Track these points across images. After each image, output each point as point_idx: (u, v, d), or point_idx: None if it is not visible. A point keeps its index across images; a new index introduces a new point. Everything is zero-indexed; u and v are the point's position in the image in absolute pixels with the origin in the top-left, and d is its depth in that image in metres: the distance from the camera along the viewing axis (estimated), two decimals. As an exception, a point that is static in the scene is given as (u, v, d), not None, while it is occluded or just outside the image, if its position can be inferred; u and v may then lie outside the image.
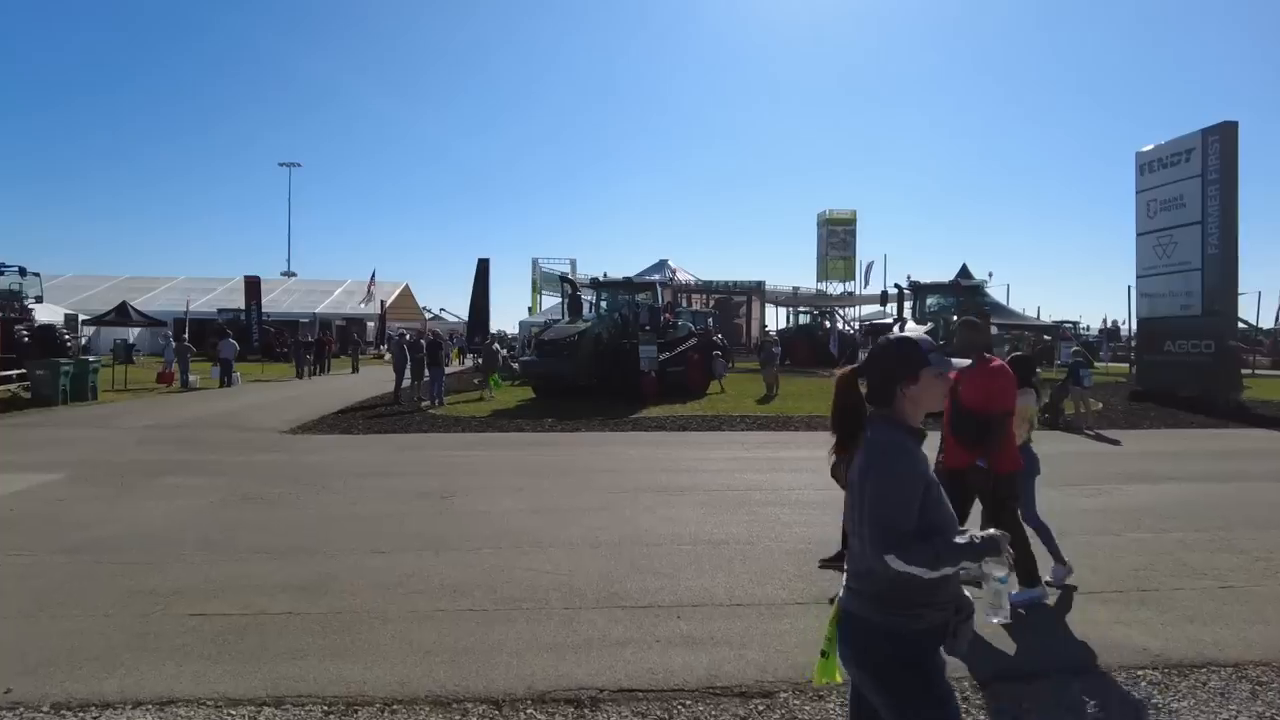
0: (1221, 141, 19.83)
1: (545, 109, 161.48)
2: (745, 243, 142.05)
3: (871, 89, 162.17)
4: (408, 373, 19.33)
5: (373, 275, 53.64)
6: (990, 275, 22.19)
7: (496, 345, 21.97)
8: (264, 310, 53.57)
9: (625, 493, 8.80)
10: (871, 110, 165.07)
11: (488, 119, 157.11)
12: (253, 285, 37.02)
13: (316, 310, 57.53)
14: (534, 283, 54.80)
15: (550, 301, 47.47)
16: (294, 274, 72.41)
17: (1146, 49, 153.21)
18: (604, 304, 21.84)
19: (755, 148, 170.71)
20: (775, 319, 50.96)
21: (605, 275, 21.92)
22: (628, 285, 21.26)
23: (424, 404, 18.44)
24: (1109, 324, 56.97)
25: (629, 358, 19.06)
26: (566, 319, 20.71)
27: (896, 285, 22.09)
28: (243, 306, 50.41)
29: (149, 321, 38.90)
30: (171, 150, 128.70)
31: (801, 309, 47.72)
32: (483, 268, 26.66)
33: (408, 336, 20.97)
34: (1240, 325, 23.26)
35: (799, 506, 8.23)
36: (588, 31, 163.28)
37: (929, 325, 20.32)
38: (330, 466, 10.60)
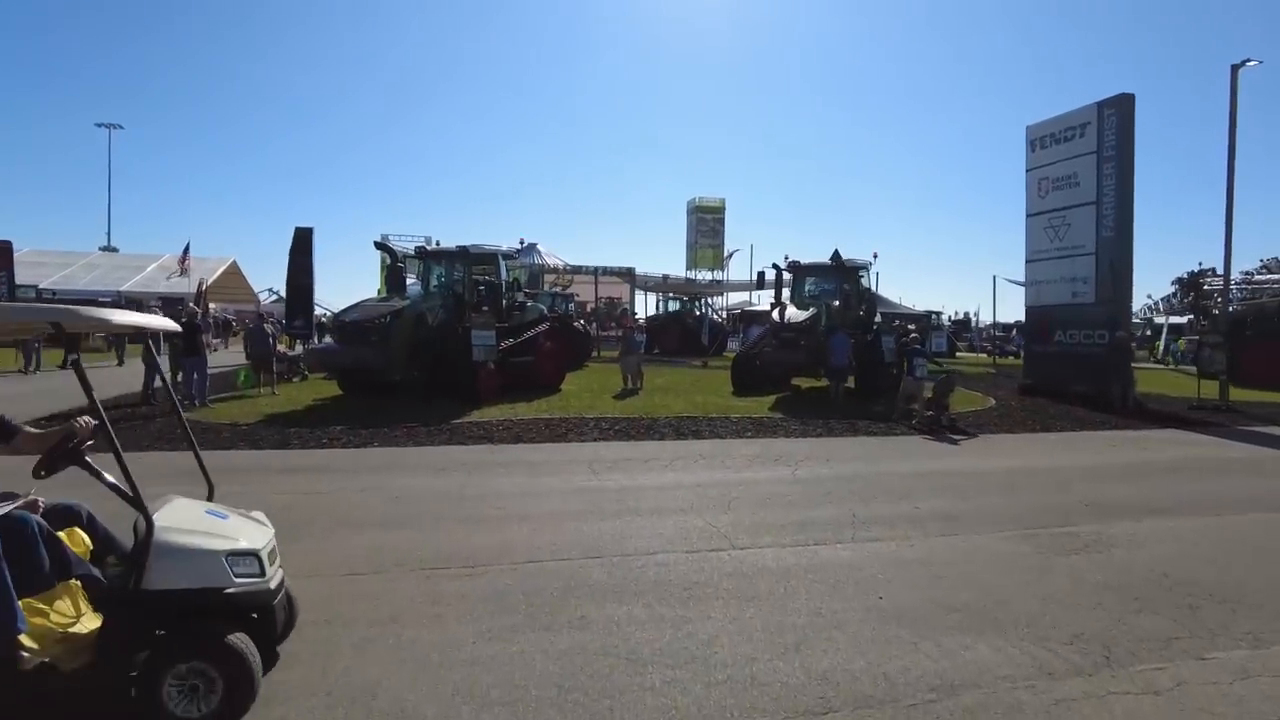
0: (1119, 115, 18.28)
1: (424, 94, 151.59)
2: (616, 230, 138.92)
3: (742, 71, 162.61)
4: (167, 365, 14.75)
5: (186, 247, 46.63)
6: (875, 256, 19.88)
7: (269, 326, 17.39)
8: (54, 288, 45.98)
9: (376, 576, 5.23)
10: (743, 94, 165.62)
11: (361, 102, 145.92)
12: (1, 252, 30.16)
13: (122, 288, 49.92)
14: (383, 263, 49.47)
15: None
16: (115, 249, 63.03)
17: (1027, 25, 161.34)
18: (438, 280, 17.88)
19: (627, 132, 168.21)
20: (645, 306, 48.08)
21: (435, 243, 17.94)
22: (463, 256, 17.34)
23: (183, 405, 13.97)
24: (960, 314, 58.20)
25: (461, 345, 15.30)
26: (383, 296, 16.66)
27: (775, 265, 19.38)
28: (23, 283, 43.01)
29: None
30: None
31: (671, 295, 45.09)
32: (302, 238, 21.81)
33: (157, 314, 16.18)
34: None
35: (676, 598, 4.92)
36: (468, 8, 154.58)
37: (810, 310, 17.72)
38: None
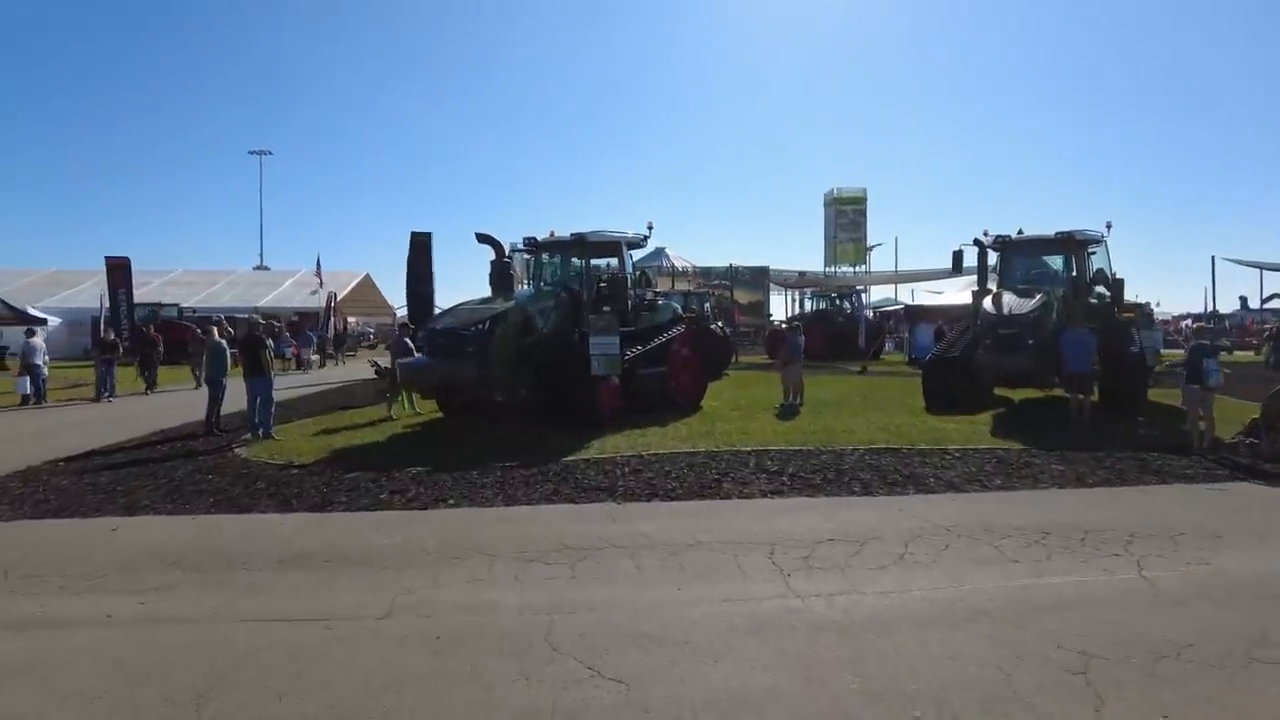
0: None
1: (542, 99, 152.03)
2: (746, 228, 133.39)
3: (880, 51, 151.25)
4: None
5: (318, 261, 46.56)
6: (1109, 226, 15.07)
7: (409, 339, 14.65)
8: (196, 305, 47.23)
9: None
10: (881, 76, 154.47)
11: (482, 111, 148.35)
12: (118, 269, 29.66)
13: (260, 304, 50.69)
14: (530, 275, 47.91)
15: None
16: (267, 267, 65.86)
17: None
18: (551, 276, 14.78)
19: (753, 126, 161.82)
20: (786, 306, 43.81)
21: (553, 234, 14.80)
22: (580, 245, 14.14)
23: (246, 436, 11.44)
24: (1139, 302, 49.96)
25: (577, 355, 12.07)
26: (485, 298, 13.64)
27: (976, 241, 15.00)
28: (169, 300, 44.30)
29: (20, 318, 32.07)
30: (131, 136, 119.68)
31: (812, 293, 40.63)
32: (420, 243, 19.36)
33: (208, 329, 13.77)
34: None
35: None
36: (580, 14, 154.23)
37: (1038, 299, 13.28)
38: None
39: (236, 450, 10.42)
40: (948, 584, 5.01)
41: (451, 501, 7.37)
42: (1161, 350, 14.17)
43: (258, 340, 11.70)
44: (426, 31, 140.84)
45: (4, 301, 32.69)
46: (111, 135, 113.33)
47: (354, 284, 57.86)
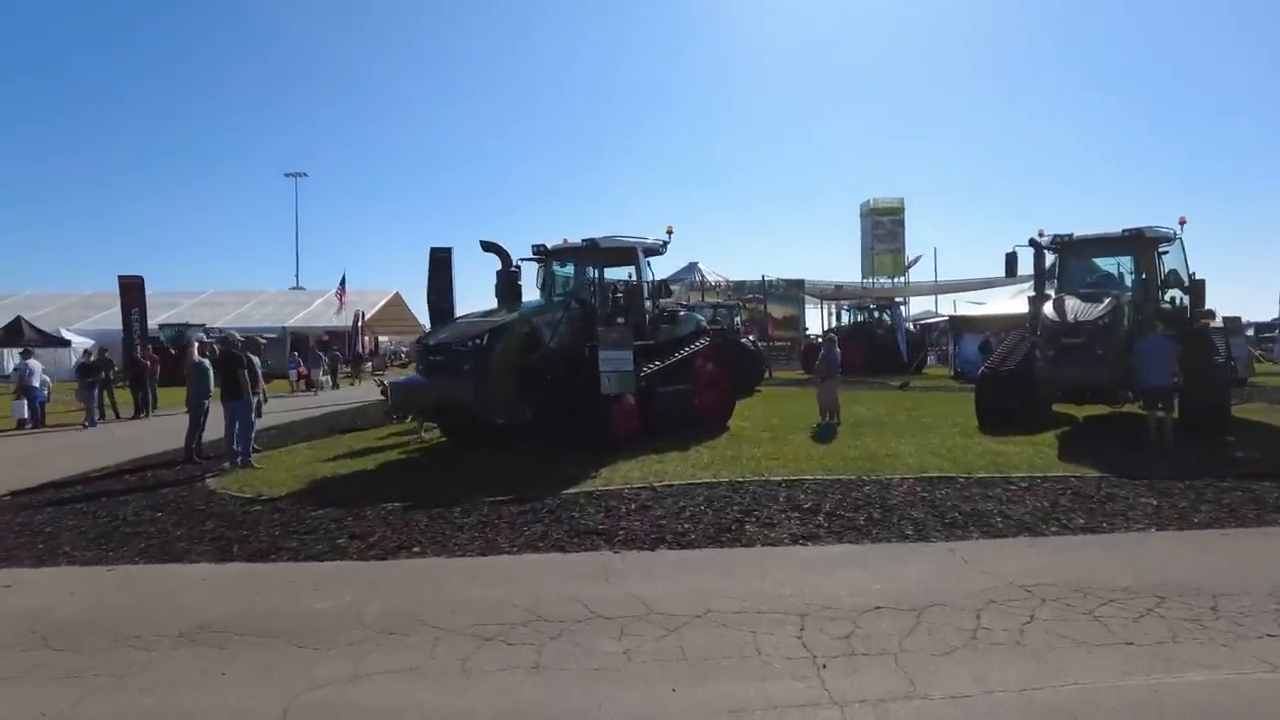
0: None
1: (563, 108, 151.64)
2: (780, 242, 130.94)
3: (914, 51, 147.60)
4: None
5: (341, 280, 46.06)
6: (1183, 222, 13.49)
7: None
8: (224, 325, 47.19)
9: None
10: (915, 78, 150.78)
11: (507, 121, 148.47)
12: (132, 288, 29.23)
13: (288, 324, 50.44)
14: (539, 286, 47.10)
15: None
16: (303, 288, 66.21)
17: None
18: (563, 287, 13.60)
19: (786, 135, 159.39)
20: (823, 318, 42.15)
21: (565, 241, 13.64)
22: (592, 252, 12.96)
23: (225, 464, 10.41)
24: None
25: (587, 371, 10.86)
26: (487, 311, 12.51)
27: (1032, 241, 13.52)
28: (202, 322, 44.35)
29: (46, 340, 31.93)
30: (165, 155, 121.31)
31: (849, 305, 39.04)
32: (439, 259, 18.54)
33: (198, 348, 12.79)
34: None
35: None
36: (606, 24, 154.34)
37: (1107, 303, 11.76)
38: None
39: (208, 480, 9.39)
40: (1041, 680, 3.67)
41: (418, 549, 6.17)
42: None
43: (235, 359, 10.66)
44: (441, 30, 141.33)
45: (31, 324, 32.61)
46: (145, 158, 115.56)
47: (382, 302, 57.46)
